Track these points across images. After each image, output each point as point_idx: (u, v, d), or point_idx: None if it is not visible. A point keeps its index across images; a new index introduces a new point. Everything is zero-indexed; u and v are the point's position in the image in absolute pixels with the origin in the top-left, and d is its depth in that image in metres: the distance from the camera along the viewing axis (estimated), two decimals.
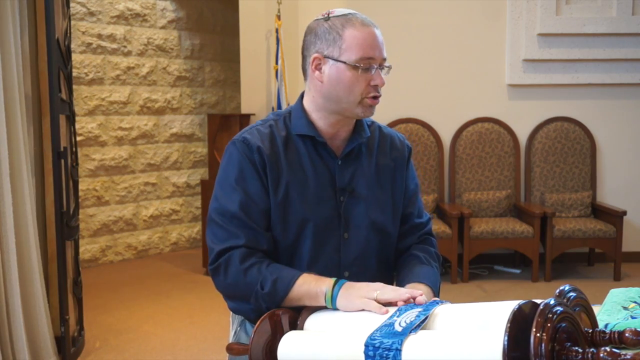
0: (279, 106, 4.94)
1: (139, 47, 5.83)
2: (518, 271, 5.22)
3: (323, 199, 1.45)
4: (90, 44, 5.50)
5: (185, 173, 6.26)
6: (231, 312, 1.59)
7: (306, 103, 1.50)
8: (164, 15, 6.01)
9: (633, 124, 5.41)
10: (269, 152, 1.43)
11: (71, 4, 4.95)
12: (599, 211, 5.15)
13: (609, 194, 5.39)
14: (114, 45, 5.66)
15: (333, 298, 1.29)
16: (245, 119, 5.22)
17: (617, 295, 1.33)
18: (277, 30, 5.01)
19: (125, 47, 5.73)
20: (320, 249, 1.47)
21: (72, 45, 4.68)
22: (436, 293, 1.45)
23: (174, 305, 4.44)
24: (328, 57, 1.41)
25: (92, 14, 5.50)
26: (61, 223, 3.29)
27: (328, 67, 1.41)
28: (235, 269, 1.37)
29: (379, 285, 1.27)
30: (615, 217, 4.89)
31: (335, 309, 1.29)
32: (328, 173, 1.46)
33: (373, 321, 1.15)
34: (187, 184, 6.28)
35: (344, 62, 1.38)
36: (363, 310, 1.23)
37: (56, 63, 3.23)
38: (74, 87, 4.54)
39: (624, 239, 4.93)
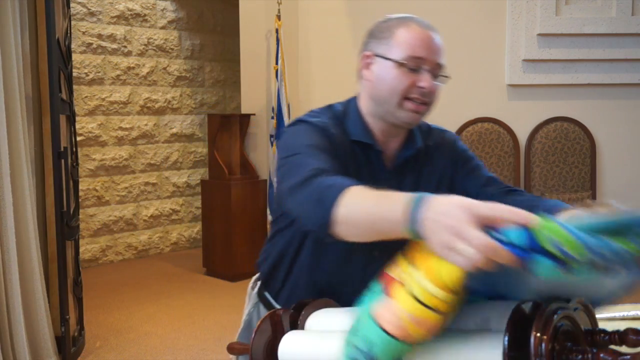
0: (279, 106, 4.92)
1: (139, 47, 5.83)
2: None
3: None
4: (91, 44, 5.50)
5: (185, 173, 6.27)
6: (248, 291, 1.55)
7: (361, 106, 1.42)
8: (164, 16, 6.01)
9: (633, 124, 5.41)
10: (337, 140, 1.35)
11: (71, 4, 4.95)
12: None
13: (609, 194, 5.39)
14: (114, 46, 5.66)
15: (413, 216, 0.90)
16: (245, 119, 5.22)
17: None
18: (277, 31, 5.01)
19: (125, 47, 5.73)
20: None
21: (73, 46, 4.68)
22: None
23: (174, 305, 4.44)
24: (378, 56, 1.36)
25: (92, 14, 5.50)
26: (61, 223, 3.30)
27: (377, 66, 1.36)
28: (319, 182, 1.15)
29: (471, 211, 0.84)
30: None
31: (413, 230, 0.90)
32: (371, 182, 1.17)
33: None
34: (187, 184, 6.29)
35: (391, 59, 1.33)
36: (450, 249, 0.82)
37: (56, 63, 3.23)
38: (74, 87, 4.54)
39: None
